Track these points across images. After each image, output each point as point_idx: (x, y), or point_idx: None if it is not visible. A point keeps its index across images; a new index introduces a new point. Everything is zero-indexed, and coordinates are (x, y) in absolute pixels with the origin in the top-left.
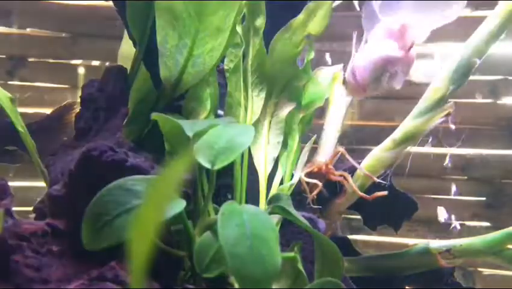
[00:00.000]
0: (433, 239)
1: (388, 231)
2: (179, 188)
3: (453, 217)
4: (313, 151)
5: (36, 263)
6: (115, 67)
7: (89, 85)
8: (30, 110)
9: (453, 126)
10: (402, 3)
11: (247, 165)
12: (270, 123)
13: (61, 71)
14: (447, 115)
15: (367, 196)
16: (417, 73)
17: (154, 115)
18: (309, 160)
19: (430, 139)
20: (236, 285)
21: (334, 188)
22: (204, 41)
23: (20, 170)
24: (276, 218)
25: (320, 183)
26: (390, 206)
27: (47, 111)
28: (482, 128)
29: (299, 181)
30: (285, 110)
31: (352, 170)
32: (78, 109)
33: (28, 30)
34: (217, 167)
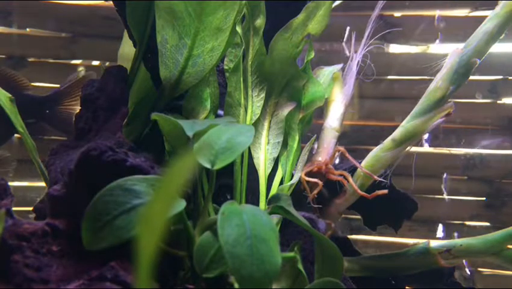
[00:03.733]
0: (433, 239)
1: (388, 231)
2: (181, 188)
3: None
4: (313, 151)
5: (36, 263)
6: (115, 67)
7: (89, 85)
8: None
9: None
10: None
11: (247, 165)
12: (270, 123)
13: (61, 71)
14: (447, 115)
15: (367, 195)
16: None
17: (154, 115)
18: (309, 160)
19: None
20: (236, 285)
21: (333, 188)
22: (204, 41)
23: (20, 170)
24: (276, 218)
25: (320, 182)
26: (390, 206)
27: None
28: (482, 128)
29: (299, 181)
30: (285, 110)
31: (352, 170)
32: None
33: (28, 30)
34: (217, 167)
